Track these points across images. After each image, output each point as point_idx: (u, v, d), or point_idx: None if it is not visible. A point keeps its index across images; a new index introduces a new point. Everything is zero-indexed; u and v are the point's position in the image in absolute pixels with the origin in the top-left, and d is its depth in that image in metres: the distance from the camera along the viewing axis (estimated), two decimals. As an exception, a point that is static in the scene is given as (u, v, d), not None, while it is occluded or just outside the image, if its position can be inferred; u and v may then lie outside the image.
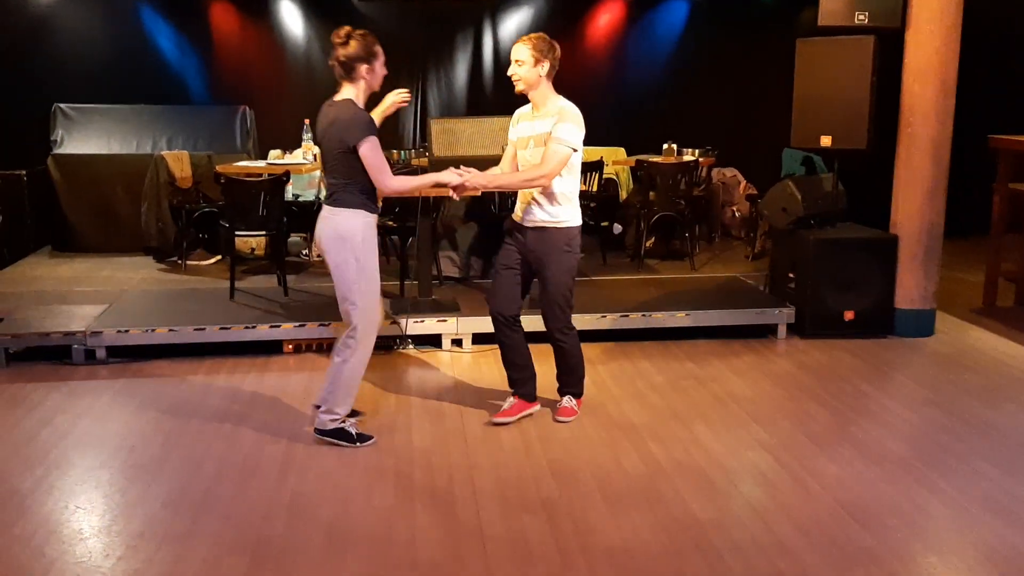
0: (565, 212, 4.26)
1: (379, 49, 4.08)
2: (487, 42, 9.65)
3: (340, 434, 4.26)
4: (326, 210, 4.15)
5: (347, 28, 4.05)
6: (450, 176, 4.24)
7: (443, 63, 9.60)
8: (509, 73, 4.22)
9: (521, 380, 4.57)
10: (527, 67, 4.15)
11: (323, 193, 7.81)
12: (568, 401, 4.61)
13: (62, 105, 8.41)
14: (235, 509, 3.66)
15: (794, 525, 3.54)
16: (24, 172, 8.00)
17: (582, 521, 3.56)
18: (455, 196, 4.39)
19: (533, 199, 4.26)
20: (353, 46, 4.00)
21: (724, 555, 3.31)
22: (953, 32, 5.74)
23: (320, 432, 4.28)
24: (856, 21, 5.80)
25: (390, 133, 9.53)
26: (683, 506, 3.69)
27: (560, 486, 3.87)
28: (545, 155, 4.15)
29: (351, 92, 4.07)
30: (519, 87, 4.22)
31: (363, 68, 4.03)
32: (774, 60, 8.62)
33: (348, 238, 4.07)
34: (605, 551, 3.34)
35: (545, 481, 3.92)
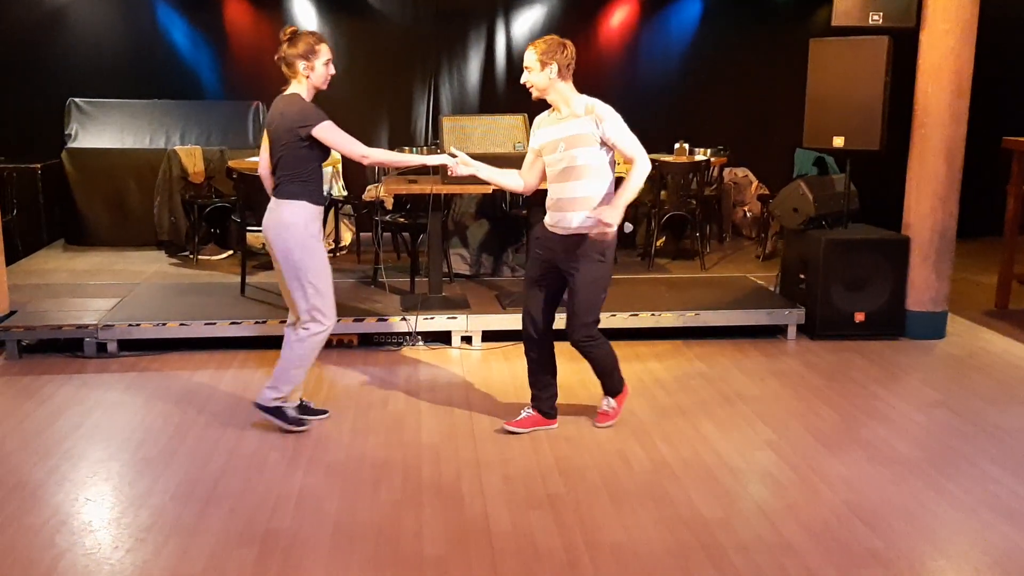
0: None
1: (322, 48, 4.13)
2: (500, 39, 9.65)
3: (278, 413, 4.35)
4: (272, 202, 4.21)
5: (293, 27, 4.16)
6: (445, 160, 4.33)
7: (456, 60, 9.61)
8: (522, 81, 4.16)
9: (542, 397, 4.47)
10: (536, 72, 4.09)
11: (334, 189, 7.87)
12: (606, 404, 4.53)
13: (76, 99, 8.46)
14: (243, 502, 3.68)
15: (801, 526, 3.53)
16: (38, 166, 8.06)
17: (588, 518, 3.57)
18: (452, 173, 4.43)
19: (569, 205, 4.12)
20: (296, 44, 4.08)
21: (730, 554, 3.31)
22: (968, 32, 5.71)
23: (260, 406, 4.35)
24: (870, 21, 5.78)
25: (402, 130, 9.56)
26: (689, 505, 3.69)
27: (567, 483, 3.88)
28: (625, 151, 4.08)
29: (298, 88, 4.15)
30: (534, 94, 4.17)
31: (302, 65, 4.10)
32: (787, 60, 8.60)
33: (291, 226, 4.13)
34: (611, 548, 3.35)
35: (552, 478, 3.93)
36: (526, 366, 4.47)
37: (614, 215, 3.98)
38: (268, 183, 4.33)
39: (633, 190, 4.05)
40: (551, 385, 4.47)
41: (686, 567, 3.23)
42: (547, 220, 4.27)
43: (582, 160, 4.08)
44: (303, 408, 4.48)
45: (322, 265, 4.22)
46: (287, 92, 4.17)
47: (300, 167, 4.13)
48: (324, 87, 4.21)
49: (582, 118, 4.10)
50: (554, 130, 4.18)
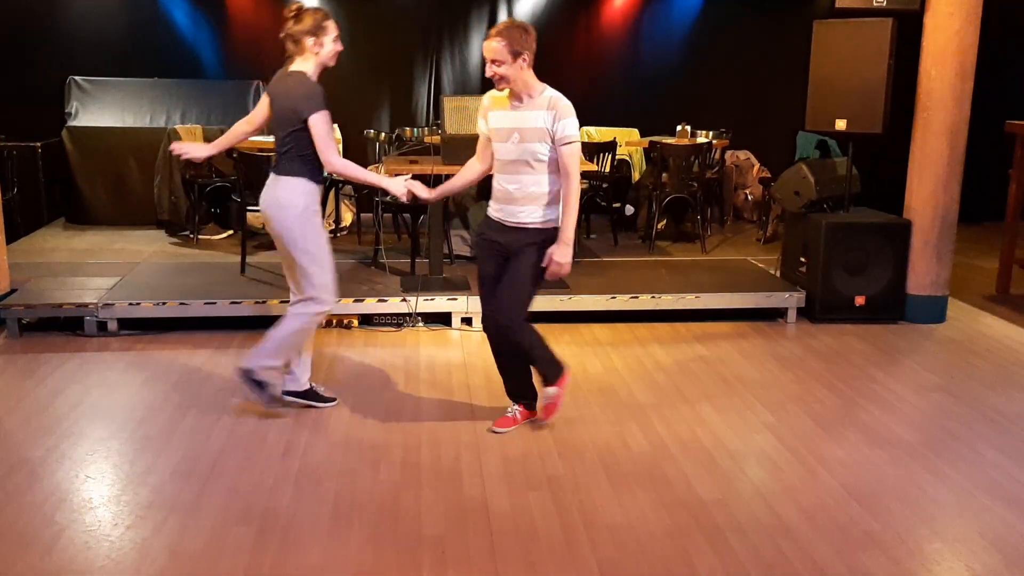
0: (556, 212, 3.99)
1: (330, 25, 4.08)
2: (502, 19, 9.59)
3: (261, 385, 4.24)
4: (271, 179, 4.16)
5: (299, 4, 4.10)
6: (399, 186, 4.19)
7: (457, 40, 9.56)
8: (489, 74, 3.84)
9: (528, 393, 4.36)
10: (507, 65, 3.78)
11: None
12: (546, 397, 4.29)
13: (77, 78, 8.43)
14: (242, 481, 3.69)
15: (798, 508, 3.54)
16: (39, 144, 8.04)
17: (587, 500, 3.58)
18: (404, 199, 4.26)
19: (518, 199, 3.96)
20: (303, 21, 4.03)
21: (727, 535, 3.32)
22: (972, 15, 5.68)
23: (245, 371, 4.22)
24: (874, 3, 5.76)
25: (404, 110, 9.53)
26: (687, 487, 3.70)
27: (565, 464, 3.89)
28: (566, 162, 3.86)
29: (304, 65, 4.09)
30: (502, 86, 3.86)
31: (310, 42, 4.04)
32: (790, 42, 8.57)
33: (291, 204, 4.08)
34: (609, 530, 3.36)
35: (551, 459, 3.94)
36: (498, 369, 4.33)
37: (566, 254, 3.91)
38: (235, 139, 4.42)
39: (574, 215, 3.93)
40: (530, 377, 4.30)
41: (684, 548, 3.24)
42: (492, 211, 4.08)
43: (536, 154, 3.88)
44: (312, 393, 4.45)
45: (323, 242, 4.19)
46: (293, 69, 4.11)
47: (301, 145, 4.08)
48: (332, 64, 4.15)
49: (542, 111, 3.86)
50: (510, 117, 3.92)
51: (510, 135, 3.91)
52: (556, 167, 3.92)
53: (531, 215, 3.96)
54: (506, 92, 3.93)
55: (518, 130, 3.89)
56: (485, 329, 4.21)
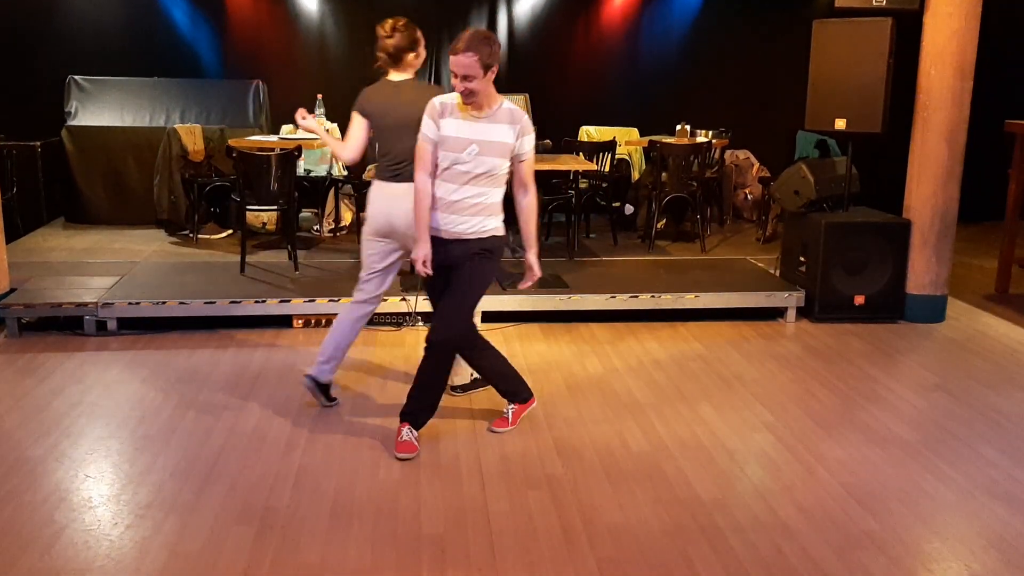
0: (495, 222, 3.94)
1: (421, 36, 4.19)
2: (502, 18, 9.59)
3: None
4: (399, 187, 4.07)
5: (391, 21, 4.16)
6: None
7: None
8: (460, 89, 3.68)
9: (519, 389, 4.33)
10: (479, 79, 3.64)
11: (334, 168, 7.85)
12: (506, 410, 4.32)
13: (76, 77, 8.42)
14: (242, 480, 3.69)
15: (798, 507, 3.54)
16: (38, 143, 8.04)
17: (585, 498, 3.58)
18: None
19: (465, 209, 3.81)
20: (399, 38, 4.12)
21: (726, 535, 3.33)
22: (972, 14, 5.68)
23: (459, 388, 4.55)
24: (874, 3, 5.76)
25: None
26: (686, 486, 3.70)
27: (564, 463, 3.89)
28: (527, 175, 3.87)
29: (405, 76, 4.20)
30: (470, 100, 3.69)
31: (410, 56, 4.17)
32: (790, 42, 8.58)
33: None
34: (608, 528, 3.36)
35: (550, 458, 3.94)
36: (482, 374, 4.33)
37: (538, 263, 4.04)
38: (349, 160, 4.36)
39: (536, 223, 4.02)
40: (512, 371, 4.28)
41: (683, 548, 3.24)
42: (438, 223, 3.85)
43: (493, 168, 3.77)
44: (325, 387, 4.40)
45: None
46: (397, 79, 4.17)
47: None
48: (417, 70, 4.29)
49: (503, 125, 3.77)
50: (469, 128, 3.74)
51: (466, 146, 3.75)
52: (504, 180, 3.89)
53: (473, 226, 3.84)
54: (470, 107, 3.77)
55: (477, 142, 3.74)
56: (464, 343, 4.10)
